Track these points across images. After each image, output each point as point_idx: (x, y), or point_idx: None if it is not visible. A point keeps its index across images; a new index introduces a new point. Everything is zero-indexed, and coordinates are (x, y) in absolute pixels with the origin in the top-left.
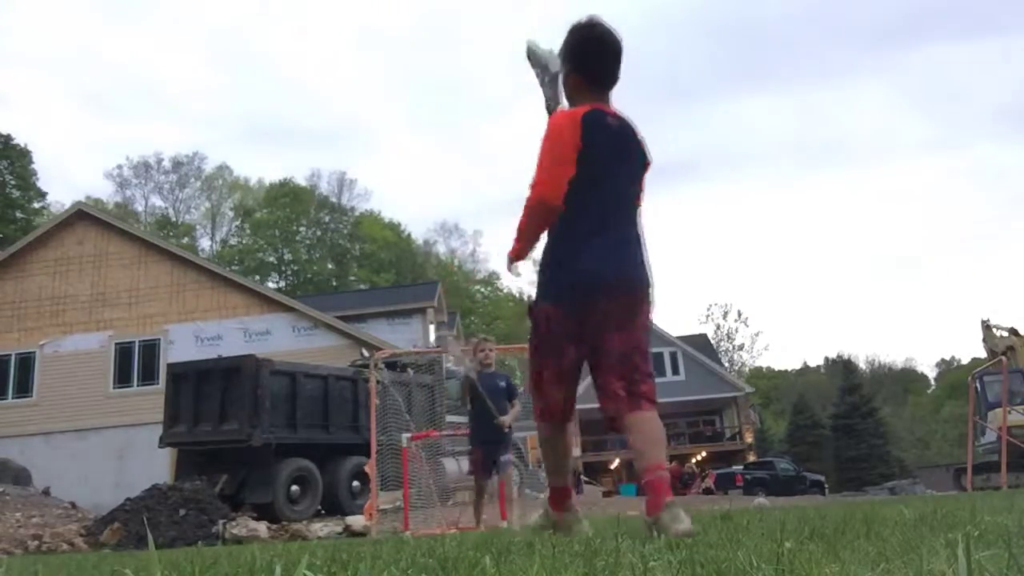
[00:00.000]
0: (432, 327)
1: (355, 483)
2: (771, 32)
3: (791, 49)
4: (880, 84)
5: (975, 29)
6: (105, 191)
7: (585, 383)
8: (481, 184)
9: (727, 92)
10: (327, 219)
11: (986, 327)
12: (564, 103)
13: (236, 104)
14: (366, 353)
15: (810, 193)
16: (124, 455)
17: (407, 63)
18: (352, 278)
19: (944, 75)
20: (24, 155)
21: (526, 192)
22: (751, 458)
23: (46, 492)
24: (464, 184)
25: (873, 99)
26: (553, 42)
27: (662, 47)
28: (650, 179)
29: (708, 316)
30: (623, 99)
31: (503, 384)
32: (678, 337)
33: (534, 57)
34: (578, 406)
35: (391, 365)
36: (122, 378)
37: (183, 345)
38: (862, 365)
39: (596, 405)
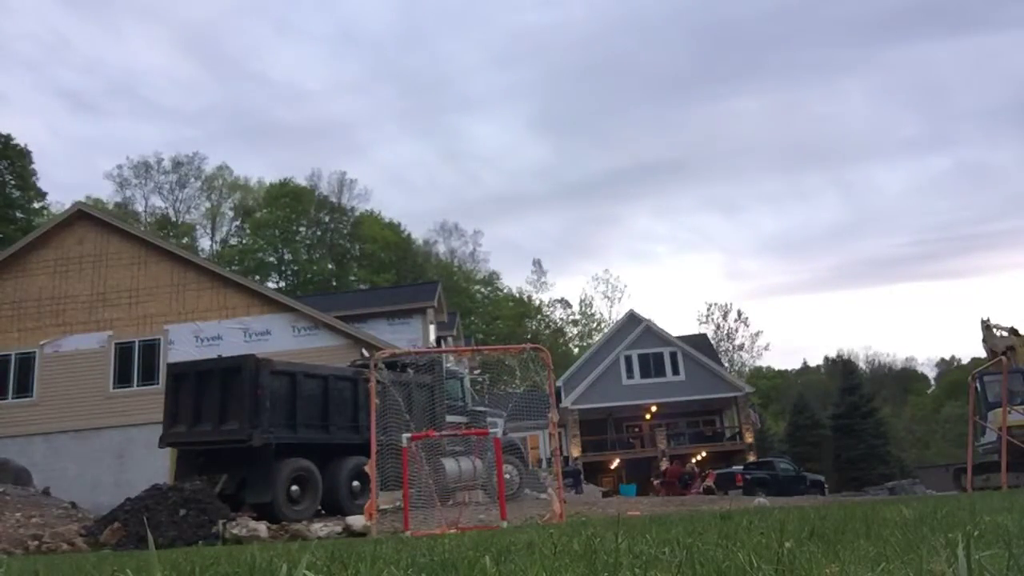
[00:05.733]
0: (432, 327)
1: (355, 483)
2: (760, 31)
3: (782, 48)
4: (879, 82)
5: (967, 27)
6: (105, 191)
7: (586, 383)
8: (481, 184)
9: (721, 91)
10: (327, 219)
11: (986, 327)
12: None
13: (238, 105)
14: (366, 353)
15: (809, 192)
16: (124, 455)
17: (408, 63)
18: (352, 278)
19: (943, 73)
20: (24, 155)
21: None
22: (751, 458)
23: (46, 492)
24: (464, 184)
25: (870, 97)
26: None
27: (653, 48)
28: (647, 179)
29: (708, 316)
30: (617, 103)
31: None
32: (678, 337)
33: None
34: (578, 406)
35: (391, 365)
36: (122, 378)
37: (183, 345)
38: (862, 365)
39: (596, 405)
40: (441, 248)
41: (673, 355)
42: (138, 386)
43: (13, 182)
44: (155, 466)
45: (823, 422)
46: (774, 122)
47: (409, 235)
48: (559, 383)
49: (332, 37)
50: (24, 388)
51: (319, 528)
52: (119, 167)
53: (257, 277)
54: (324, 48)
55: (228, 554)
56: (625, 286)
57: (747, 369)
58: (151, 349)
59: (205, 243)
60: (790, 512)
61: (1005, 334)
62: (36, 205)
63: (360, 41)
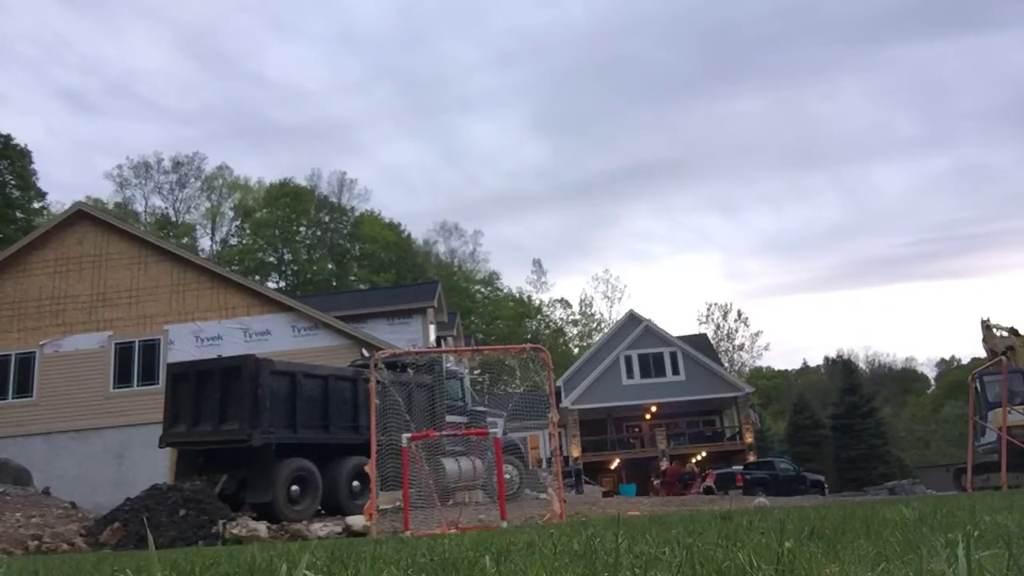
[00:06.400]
0: (432, 327)
1: (355, 483)
2: (760, 31)
3: (782, 48)
4: (879, 83)
5: (967, 27)
6: (105, 191)
7: (586, 383)
8: (481, 184)
9: (721, 91)
10: (327, 219)
11: (986, 327)
12: None
13: (237, 105)
14: (366, 353)
15: (809, 192)
16: (124, 455)
17: (408, 63)
18: (352, 278)
19: (943, 73)
20: (24, 155)
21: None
22: (751, 458)
23: (46, 492)
24: (464, 184)
25: (870, 97)
26: None
27: (653, 48)
28: (646, 179)
29: (708, 316)
30: (617, 103)
31: None
32: (678, 337)
33: None
34: (578, 406)
35: (391, 365)
36: (122, 378)
37: (183, 345)
38: (862, 365)
39: (596, 405)
40: (441, 248)
41: (673, 355)
42: (138, 386)
43: (13, 182)
44: (155, 466)
45: (823, 422)
46: (774, 122)
47: (409, 235)
48: (559, 383)
49: (331, 37)
50: (24, 388)
51: (319, 528)
52: (119, 167)
53: (257, 277)
54: (323, 48)
55: (228, 554)
56: (625, 286)
57: (747, 369)
58: (151, 349)
59: (205, 243)
60: (790, 512)
61: (1005, 334)
62: (36, 205)
63: (359, 41)
